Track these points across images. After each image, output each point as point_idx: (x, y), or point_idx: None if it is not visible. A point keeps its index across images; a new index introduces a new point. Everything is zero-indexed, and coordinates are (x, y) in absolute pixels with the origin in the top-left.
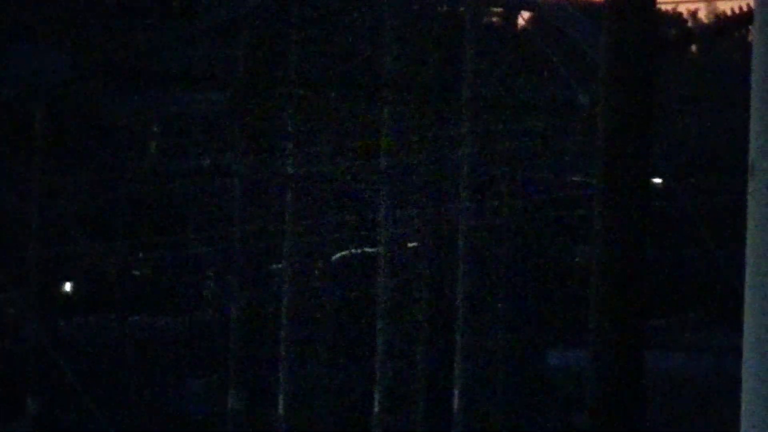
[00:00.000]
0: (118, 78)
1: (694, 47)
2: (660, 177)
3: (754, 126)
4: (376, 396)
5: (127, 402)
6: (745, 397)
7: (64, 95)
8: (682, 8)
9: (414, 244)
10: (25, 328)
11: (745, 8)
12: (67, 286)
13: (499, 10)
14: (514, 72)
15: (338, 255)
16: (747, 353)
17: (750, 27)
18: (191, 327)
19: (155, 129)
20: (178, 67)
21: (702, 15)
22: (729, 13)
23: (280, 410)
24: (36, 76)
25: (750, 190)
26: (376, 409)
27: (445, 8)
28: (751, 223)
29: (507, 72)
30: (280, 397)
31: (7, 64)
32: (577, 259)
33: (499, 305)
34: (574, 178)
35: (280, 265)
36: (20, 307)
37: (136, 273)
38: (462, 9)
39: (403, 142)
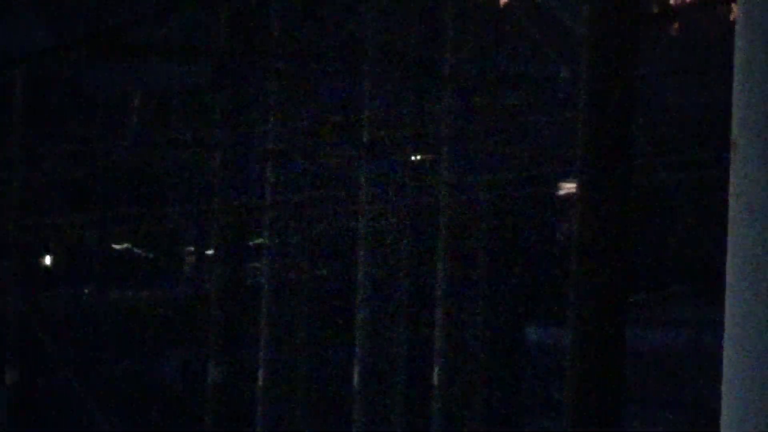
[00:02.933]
0: (97, 49)
1: (675, 24)
2: (642, 151)
3: (737, 101)
4: (356, 370)
5: (107, 373)
6: (727, 371)
7: (43, 65)
8: None
9: (394, 220)
10: (4, 300)
11: None
12: (47, 259)
13: None
14: (496, 46)
15: (319, 230)
16: (729, 327)
17: (733, 3)
18: (172, 300)
19: (136, 100)
20: (159, 38)
21: None
22: None
23: (260, 384)
24: (14, 46)
25: (732, 164)
26: (356, 384)
27: None
28: (732, 198)
29: (488, 46)
30: (260, 372)
31: None
32: (558, 235)
33: (479, 281)
34: (556, 153)
35: (260, 240)
36: (0, 278)
37: (116, 246)
38: None
39: (384, 116)
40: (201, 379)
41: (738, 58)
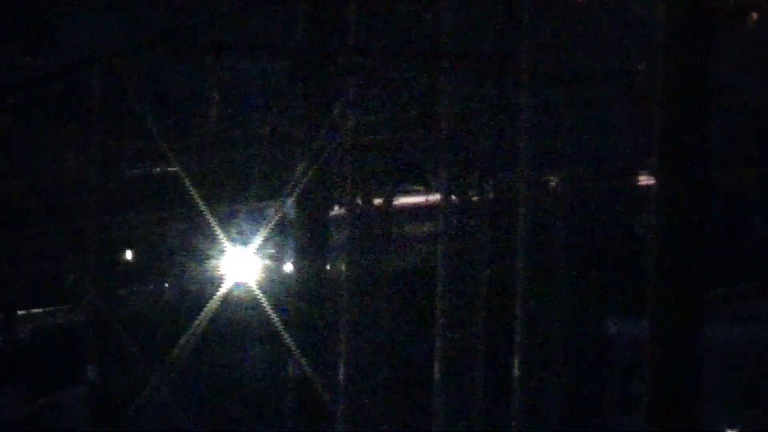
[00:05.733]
0: (175, 47)
1: (752, 17)
2: (718, 147)
3: None
4: (436, 363)
5: (186, 370)
6: None
7: (121, 64)
8: None
9: (473, 213)
10: (84, 297)
11: None
12: (128, 255)
13: None
14: (572, 41)
15: (399, 223)
16: None
17: None
18: (251, 294)
19: (215, 97)
20: (236, 35)
21: None
22: None
23: (341, 378)
24: (92, 45)
25: None
26: (436, 376)
27: None
28: None
29: (564, 41)
30: (341, 365)
31: (63, 32)
32: (637, 228)
33: (560, 274)
34: (635, 147)
35: (342, 233)
36: (80, 275)
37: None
38: None
39: (462, 110)
40: (282, 375)
41: None
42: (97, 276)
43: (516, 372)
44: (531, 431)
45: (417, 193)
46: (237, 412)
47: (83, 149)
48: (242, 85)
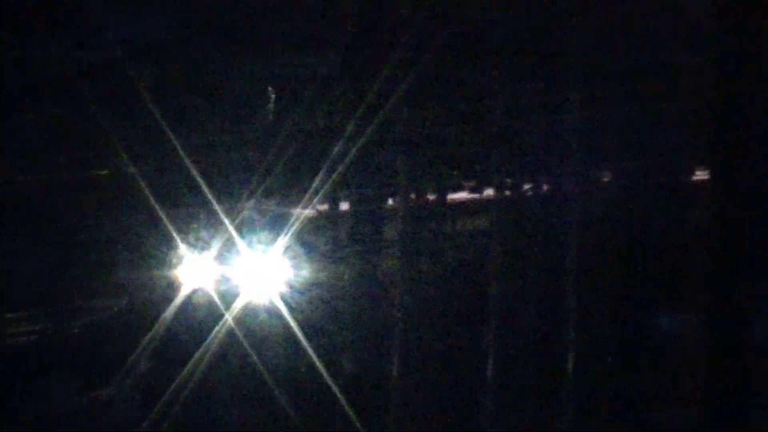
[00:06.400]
0: (224, 39)
1: None
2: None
3: None
4: (489, 358)
5: (237, 364)
6: None
7: (172, 56)
8: None
9: (524, 209)
10: (132, 290)
11: None
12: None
13: None
14: (621, 34)
15: (450, 219)
16: None
17: None
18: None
19: (265, 91)
20: (286, 28)
21: None
22: None
23: (394, 373)
24: (141, 37)
25: None
26: (489, 370)
27: None
28: None
29: (613, 34)
30: (394, 360)
31: (112, 23)
32: (686, 223)
33: (608, 269)
34: (685, 142)
35: (392, 230)
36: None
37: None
38: None
39: (513, 106)
40: (337, 371)
41: None
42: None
43: (569, 366)
44: (582, 426)
45: (470, 188)
46: (290, 409)
47: (131, 143)
48: (290, 78)
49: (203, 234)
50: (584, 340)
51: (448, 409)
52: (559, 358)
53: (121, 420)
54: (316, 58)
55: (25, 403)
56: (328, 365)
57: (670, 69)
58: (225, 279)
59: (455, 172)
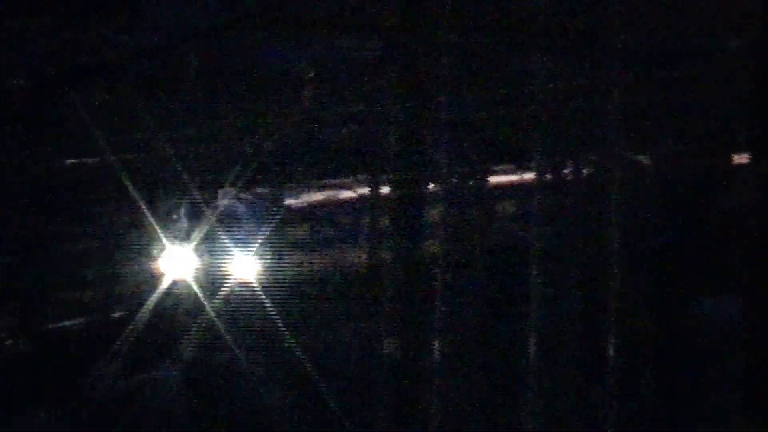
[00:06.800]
0: (269, 23)
1: None
2: None
3: None
4: (531, 340)
5: (276, 344)
6: None
7: (216, 41)
8: None
9: (568, 192)
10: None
11: None
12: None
13: None
14: (662, 18)
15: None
16: None
17: None
18: (344, 269)
19: (310, 74)
20: (331, 11)
21: None
22: None
23: (435, 357)
24: (187, 22)
25: None
26: (530, 353)
27: None
28: None
29: (654, 18)
30: (435, 343)
31: (158, 9)
32: (729, 205)
33: (653, 253)
34: (728, 126)
35: (433, 211)
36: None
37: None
38: None
39: (555, 89)
40: (375, 354)
41: None
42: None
43: (610, 352)
44: (624, 413)
45: (511, 171)
46: (327, 393)
47: (178, 128)
48: (336, 62)
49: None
50: (628, 323)
51: (490, 392)
52: (602, 343)
53: (164, 404)
54: (360, 42)
55: (73, 387)
56: (371, 349)
57: (716, 53)
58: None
59: (499, 155)
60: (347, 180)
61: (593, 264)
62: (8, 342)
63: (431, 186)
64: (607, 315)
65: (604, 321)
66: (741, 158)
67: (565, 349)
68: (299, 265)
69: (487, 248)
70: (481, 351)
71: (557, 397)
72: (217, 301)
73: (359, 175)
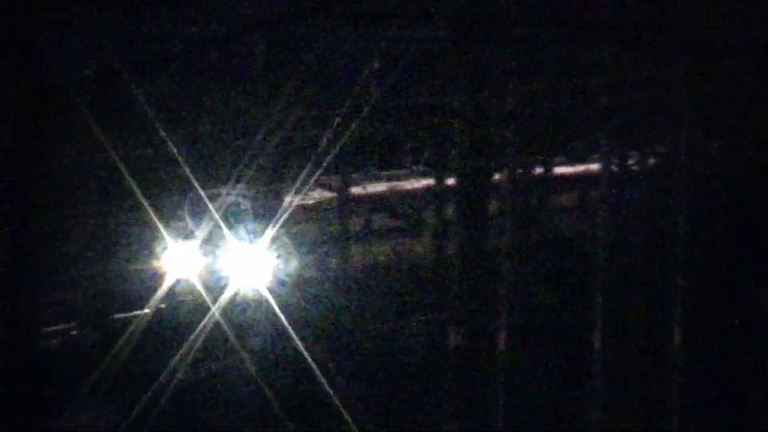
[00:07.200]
0: (334, 15)
1: None
2: None
3: None
4: (595, 333)
5: (346, 338)
6: None
7: (283, 32)
8: None
9: (632, 182)
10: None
11: None
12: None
13: None
14: (731, 8)
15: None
16: None
17: None
18: (407, 262)
19: (375, 66)
20: (395, 3)
21: None
22: None
23: (500, 347)
24: (251, 13)
25: None
26: (596, 345)
27: None
28: None
29: (724, 7)
30: (501, 335)
31: (222, 0)
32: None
33: (718, 241)
34: None
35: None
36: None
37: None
38: None
39: (619, 80)
40: (441, 345)
41: None
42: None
43: (676, 341)
44: (688, 402)
45: (575, 162)
46: (393, 384)
47: (242, 118)
48: (402, 53)
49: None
50: (693, 314)
51: (553, 381)
52: (667, 332)
53: (231, 393)
54: (424, 33)
55: (140, 376)
56: (437, 339)
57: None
58: None
59: (564, 146)
60: (411, 171)
61: (659, 255)
62: (74, 333)
63: (496, 176)
64: (674, 306)
65: (672, 312)
66: None
67: (633, 339)
68: (364, 255)
69: (553, 239)
70: (550, 343)
71: (625, 387)
72: (285, 292)
73: (423, 167)
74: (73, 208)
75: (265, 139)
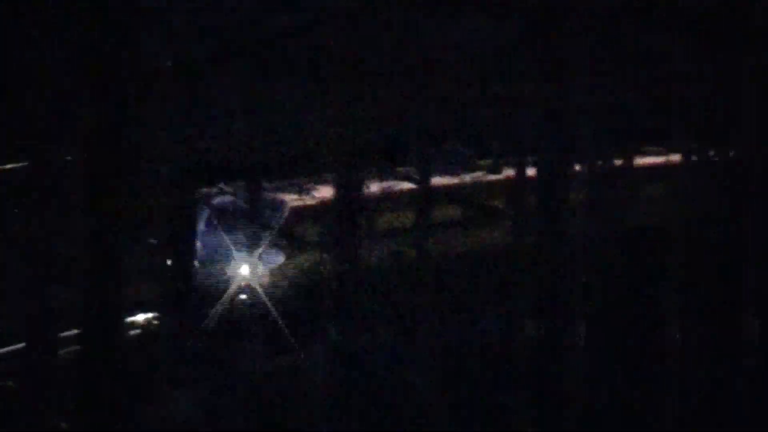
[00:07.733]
0: (411, 6)
1: None
2: None
3: None
4: (668, 326)
5: (424, 332)
6: None
7: (356, 22)
8: None
9: (712, 173)
10: (322, 255)
11: None
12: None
13: None
14: None
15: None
16: None
17: None
18: (486, 256)
19: (454, 57)
20: None
21: None
22: None
23: (579, 340)
24: (327, 3)
25: None
26: (668, 339)
27: None
28: None
29: None
30: (580, 326)
31: None
32: None
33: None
34: None
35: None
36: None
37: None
38: None
39: (697, 71)
40: (518, 338)
41: None
42: (336, 234)
43: (752, 334)
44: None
45: (657, 153)
46: (473, 378)
47: (320, 108)
48: (478, 44)
49: None
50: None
51: (623, 373)
52: (740, 327)
53: (308, 386)
54: (498, 24)
55: (215, 368)
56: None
57: None
58: None
59: (642, 137)
60: (488, 162)
61: (733, 249)
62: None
63: (575, 168)
64: (745, 296)
65: (742, 303)
66: None
67: (720, 333)
68: (447, 245)
69: (630, 231)
70: (624, 334)
71: (692, 377)
72: (367, 281)
73: (502, 158)
74: (155, 198)
75: (346, 130)
